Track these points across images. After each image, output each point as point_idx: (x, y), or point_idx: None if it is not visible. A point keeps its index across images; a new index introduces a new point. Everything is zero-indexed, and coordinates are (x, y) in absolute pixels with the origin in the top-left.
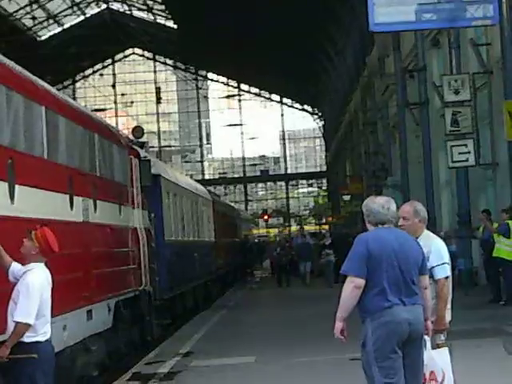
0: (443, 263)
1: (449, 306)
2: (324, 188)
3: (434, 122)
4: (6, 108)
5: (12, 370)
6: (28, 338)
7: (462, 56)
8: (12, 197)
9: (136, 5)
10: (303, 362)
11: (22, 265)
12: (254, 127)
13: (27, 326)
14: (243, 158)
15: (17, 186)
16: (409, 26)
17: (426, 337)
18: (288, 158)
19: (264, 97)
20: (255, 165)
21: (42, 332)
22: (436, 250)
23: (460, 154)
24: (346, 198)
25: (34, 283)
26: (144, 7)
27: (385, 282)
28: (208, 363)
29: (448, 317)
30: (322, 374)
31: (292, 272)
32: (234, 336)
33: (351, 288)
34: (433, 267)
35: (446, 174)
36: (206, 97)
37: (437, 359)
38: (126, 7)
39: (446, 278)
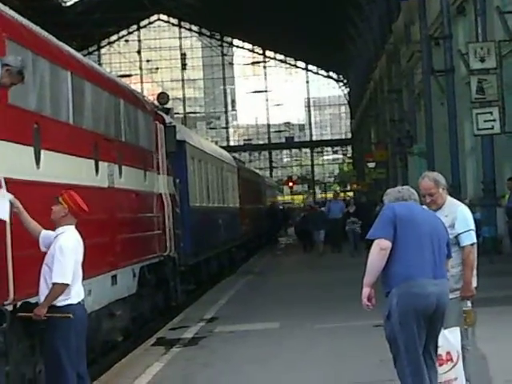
0: (469, 230)
1: (475, 272)
2: (349, 155)
3: (459, 90)
4: (32, 73)
5: (46, 332)
6: (60, 301)
7: (488, 23)
8: (38, 162)
9: None
10: (327, 327)
11: (53, 231)
12: (279, 94)
13: (64, 286)
14: (268, 125)
15: (42, 151)
16: None
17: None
18: (313, 125)
19: (289, 63)
20: (280, 131)
21: (75, 294)
22: (462, 216)
23: (485, 121)
24: (371, 165)
25: (68, 244)
26: None
27: (415, 251)
28: (232, 329)
29: (474, 283)
30: (346, 340)
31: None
32: (259, 302)
33: (377, 250)
34: (459, 234)
35: (472, 141)
36: (231, 63)
37: (451, 339)
38: None
39: (472, 244)
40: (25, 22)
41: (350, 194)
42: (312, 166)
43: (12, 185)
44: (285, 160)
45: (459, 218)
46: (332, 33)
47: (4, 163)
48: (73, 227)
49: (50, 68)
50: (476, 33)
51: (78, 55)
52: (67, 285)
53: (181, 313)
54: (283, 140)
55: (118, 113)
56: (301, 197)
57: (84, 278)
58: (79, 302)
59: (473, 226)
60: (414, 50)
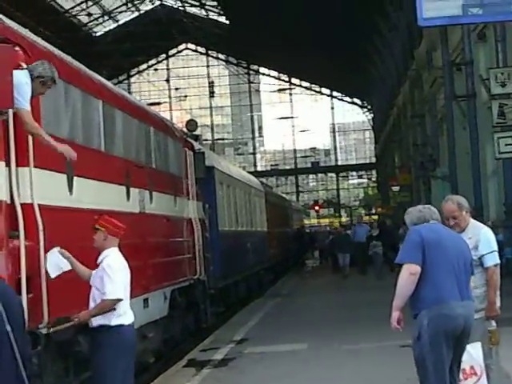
0: (492, 251)
1: (498, 292)
2: (373, 179)
3: (480, 114)
4: (65, 102)
5: (94, 351)
6: (113, 321)
7: (508, 49)
8: (71, 188)
9: (189, 1)
10: (354, 348)
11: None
12: (305, 120)
13: (116, 301)
14: (294, 150)
15: (75, 178)
16: (456, 20)
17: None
18: (338, 150)
19: (314, 90)
20: (306, 157)
21: (124, 315)
22: (485, 238)
23: (507, 145)
24: (395, 189)
25: (113, 264)
26: (196, 3)
27: (444, 274)
28: (262, 350)
29: (498, 303)
30: (372, 360)
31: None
32: (287, 323)
33: (407, 275)
34: (482, 255)
35: (493, 164)
36: (257, 90)
37: (473, 354)
38: (179, 3)
39: (496, 265)
40: (57, 51)
41: (375, 217)
42: (338, 189)
43: (46, 211)
44: (311, 184)
45: (482, 239)
46: (356, 60)
47: (41, 189)
48: (116, 249)
49: (81, 97)
50: (497, 58)
51: (109, 84)
52: (120, 300)
53: (211, 334)
54: (309, 165)
55: (148, 140)
56: (327, 220)
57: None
58: (130, 324)
59: (496, 248)
60: (436, 76)
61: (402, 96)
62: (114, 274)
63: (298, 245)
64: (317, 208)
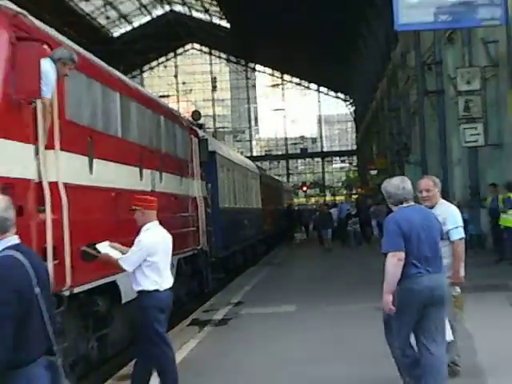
0: (458, 226)
1: (462, 264)
2: (354, 164)
3: (448, 108)
4: (86, 94)
5: (138, 312)
6: (149, 287)
7: (473, 52)
8: (91, 169)
9: (195, 7)
10: (336, 310)
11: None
12: (295, 112)
13: (123, 269)
14: (285, 138)
15: (95, 160)
16: (428, 26)
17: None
18: (324, 139)
19: (303, 86)
20: (296, 144)
21: (161, 282)
22: (452, 215)
23: (471, 135)
24: (373, 172)
25: (144, 240)
26: (201, 9)
27: (413, 254)
28: (255, 311)
29: (462, 272)
30: (352, 320)
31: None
32: (278, 288)
33: (395, 262)
34: (449, 230)
35: (459, 152)
36: (254, 85)
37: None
38: (187, 9)
39: (461, 239)
40: (81, 50)
41: (355, 197)
42: (323, 173)
43: (69, 189)
44: (300, 168)
45: (449, 216)
46: (340, 59)
47: (65, 170)
48: (156, 222)
49: (101, 89)
50: (463, 59)
51: (125, 78)
52: (125, 270)
53: (212, 297)
54: (298, 151)
55: (158, 128)
56: (313, 199)
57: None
58: (165, 289)
59: (461, 224)
60: (409, 75)
61: (379, 92)
62: (138, 248)
63: (288, 221)
64: (304, 188)
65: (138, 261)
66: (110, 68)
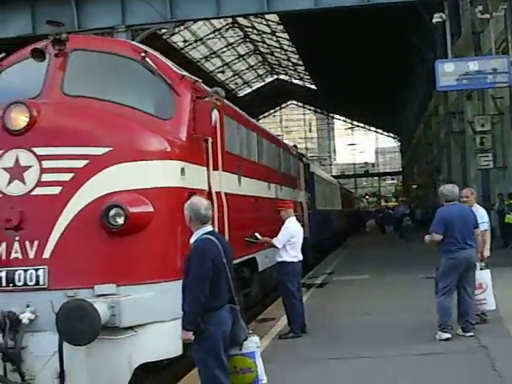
0: (483, 222)
1: (487, 246)
2: (400, 181)
3: (468, 143)
4: (236, 134)
5: (279, 276)
6: (288, 259)
7: (486, 104)
8: (240, 183)
9: (294, 75)
10: (396, 279)
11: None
12: (360, 145)
13: (274, 246)
14: (354, 164)
15: (242, 177)
16: (454, 87)
17: (477, 264)
18: (379, 164)
19: (366, 128)
20: (361, 167)
21: (296, 256)
22: (481, 214)
23: (484, 161)
24: (414, 186)
25: (289, 227)
26: (298, 77)
27: (455, 235)
28: (342, 278)
29: (487, 253)
30: (405, 286)
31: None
32: (354, 262)
33: (432, 238)
34: (478, 223)
35: (476, 172)
36: (332, 128)
37: (483, 276)
38: (288, 77)
39: (485, 230)
40: (231, 105)
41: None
42: (379, 187)
43: (227, 196)
44: (363, 183)
45: (479, 214)
46: (392, 110)
47: (223, 184)
48: (294, 217)
49: (245, 131)
50: (478, 109)
51: (258, 123)
52: (276, 247)
53: (312, 269)
54: (362, 172)
55: (279, 156)
56: (372, 205)
57: (264, 249)
58: (298, 261)
59: (486, 220)
60: (440, 120)
61: (418, 131)
62: (285, 232)
63: (357, 218)
64: (366, 197)
65: (285, 241)
66: (249, 116)
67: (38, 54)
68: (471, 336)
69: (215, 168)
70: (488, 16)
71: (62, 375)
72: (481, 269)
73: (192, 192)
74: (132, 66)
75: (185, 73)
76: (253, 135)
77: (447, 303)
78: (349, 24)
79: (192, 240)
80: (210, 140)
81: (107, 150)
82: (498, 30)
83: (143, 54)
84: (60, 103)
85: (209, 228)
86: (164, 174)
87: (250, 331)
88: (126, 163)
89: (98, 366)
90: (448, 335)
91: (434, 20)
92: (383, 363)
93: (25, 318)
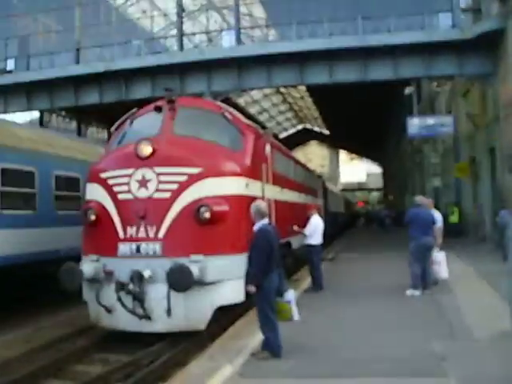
0: (438, 221)
1: (440, 239)
2: (382, 193)
3: (425, 170)
4: (280, 160)
5: (307, 255)
6: (313, 242)
7: (437, 145)
8: (282, 193)
9: (315, 125)
10: (382, 255)
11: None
12: (357, 169)
13: (303, 234)
14: (351, 183)
15: (284, 189)
16: (418, 135)
17: (435, 247)
18: (369, 182)
19: (361, 158)
20: (358, 184)
21: (317, 240)
22: (436, 215)
23: (436, 181)
24: (391, 197)
25: (313, 221)
26: (317, 126)
27: (419, 227)
28: (345, 256)
29: (440, 240)
30: (389, 260)
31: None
32: (352, 246)
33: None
34: (436, 220)
35: (430, 188)
36: (338, 158)
37: (439, 255)
38: (310, 126)
39: (439, 227)
40: (277, 142)
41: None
42: (368, 196)
43: (274, 202)
44: (358, 195)
45: (436, 216)
46: (378, 147)
47: (272, 193)
48: (317, 214)
49: (286, 159)
50: (432, 148)
51: (293, 154)
52: (305, 235)
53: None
54: (358, 187)
55: (307, 175)
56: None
57: (295, 235)
58: (319, 244)
59: (440, 219)
60: (407, 155)
61: (394, 162)
62: (310, 225)
63: (353, 218)
64: (360, 203)
65: (311, 230)
66: (288, 150)
67: (158, 109)
68: (429, 294)
69: (267, 182)
70: (439, 89)
71: (168, 311)
72: (437, 252)
73: (253, 198)
74: (216, 118)
75: (249, 122)
76: (290, 162)
77: (417, 271)
78: (352, 92)
79: (255, 228)
80: (264, 165)
81: (200, 169)
82: (445, 98)
83: (223, 110)
84: (171, 140)
85: (266, 220)
86: (235, 186)
87: (288, 286)
88: (212, 178)
89: (191, 306)
90: (418, 292)
91: (406, 91)
92: (375, 307)
93: (146, 274)
